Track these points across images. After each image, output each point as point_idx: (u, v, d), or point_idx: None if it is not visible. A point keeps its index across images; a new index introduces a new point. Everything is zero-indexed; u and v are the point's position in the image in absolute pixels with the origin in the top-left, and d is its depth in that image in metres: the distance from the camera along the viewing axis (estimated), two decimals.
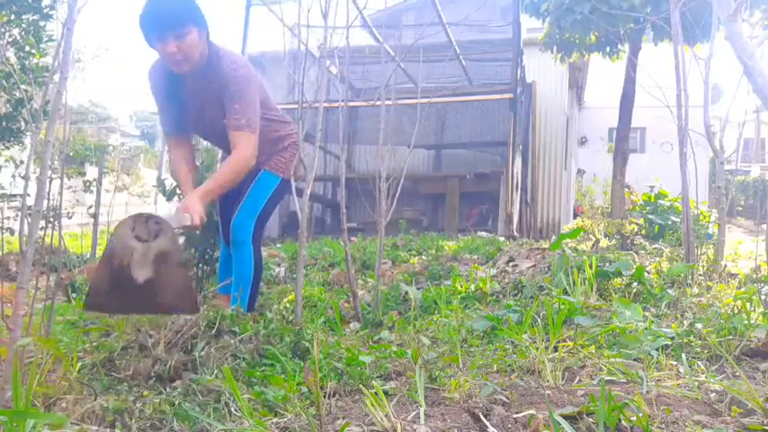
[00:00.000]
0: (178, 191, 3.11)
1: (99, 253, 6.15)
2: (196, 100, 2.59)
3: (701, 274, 3.54)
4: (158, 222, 1.65)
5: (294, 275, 3.90)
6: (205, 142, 3.11)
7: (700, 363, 1.95)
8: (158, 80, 2.59)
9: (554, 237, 3.97)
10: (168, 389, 1.91)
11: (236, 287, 2.74)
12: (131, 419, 1.57)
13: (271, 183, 2.78)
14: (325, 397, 1.74)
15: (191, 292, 1.91)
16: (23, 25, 4.76)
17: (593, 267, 3.09)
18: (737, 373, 1.74)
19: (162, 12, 2.31)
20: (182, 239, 3.48)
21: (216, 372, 1.99)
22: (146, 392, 1.82)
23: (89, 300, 1.86)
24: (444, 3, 8.42)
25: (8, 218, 5.16)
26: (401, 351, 2.15)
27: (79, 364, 1.96)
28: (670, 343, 2.16)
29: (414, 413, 1.52)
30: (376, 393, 1.45)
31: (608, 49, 9.20)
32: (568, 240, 4.00)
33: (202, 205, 2.33)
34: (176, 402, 1.74)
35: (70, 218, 5.98)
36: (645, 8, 7.07)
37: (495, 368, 2.03)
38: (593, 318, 2.54)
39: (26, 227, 1.49)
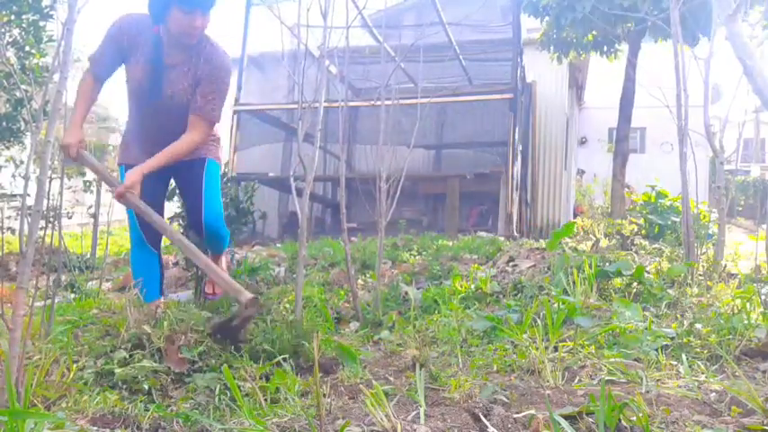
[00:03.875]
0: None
1: (99, 253, 6.15)
2: (168, 71, 2.62)
3: (700, 274, 3.54)
4: (256, 302, 2.41)
5: (294, 275, 3.90)
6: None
7: (700, 363, 1.95)
8: (131, 33, 2.60)
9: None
10: (169, 389, 1.91)
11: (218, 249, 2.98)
12: (132, 420, 1.57)
13: (217, 169, 2.94)
14: (324, 396, 1.74)
15: (245, 333, 2.42)
16: (23, 25, 4.76)
17: (593, 267, 3.09)
18: (737, 373, 1.74)
19: None
20: None
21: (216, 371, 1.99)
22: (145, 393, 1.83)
23: (213, 327, 2.37)
24: (444, 3, 8.42)
25: (8, 218, 5.16)
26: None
27: (75, 365, 1.95)
28: (670, 343, 2.16)
29: (414, 413, 1.52)
30: (376, 393, 1.45)
31: (605, 48, 9.19)
32: (568, 240, 4.00)
33: (141, 174, 2.49)
34: (177, 402, 1.75)
35: (70, 218, 5.99)
36: (647, 7, 7.05)
37: (495, 368, 2.03)
38: (593, 318, 2.54)
39: (26, 227, 1.49)
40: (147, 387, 1.91)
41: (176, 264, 5.29)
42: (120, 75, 2.73)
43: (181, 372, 2.02)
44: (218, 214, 2.85)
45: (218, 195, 2.89)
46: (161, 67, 2.62)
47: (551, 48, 9.11)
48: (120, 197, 2.43)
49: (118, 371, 1.92)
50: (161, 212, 2.87)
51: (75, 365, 1.92)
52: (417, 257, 5.26)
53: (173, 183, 3.02)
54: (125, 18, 2.62)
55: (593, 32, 8.53)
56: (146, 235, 2.80)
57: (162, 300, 2.84)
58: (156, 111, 2.71)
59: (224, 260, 3.21)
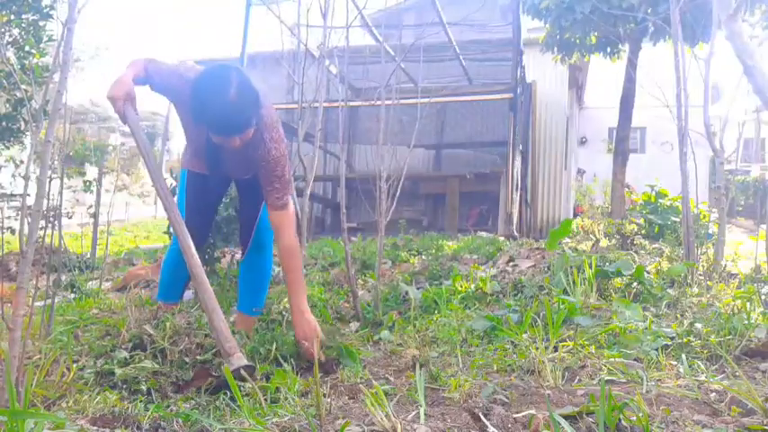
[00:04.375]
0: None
1: (99, 253, 6.15)
2: (225, 150, 2.44)
3: (700, 274, 3.54)
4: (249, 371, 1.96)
5: None
6: None
7: (700, 363, 1.95)
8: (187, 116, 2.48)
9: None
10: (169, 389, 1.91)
11: (256, 293, 2.76)
12: (132, 420, 1.57)
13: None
14: (324, 396, 1.74)
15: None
16: (23, 25, 4.76)
17: (593, 267, 3.09)
18: (737, 373, 1.74)
19: (232, 121, 2.20)
20: None
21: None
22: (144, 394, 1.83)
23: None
24: (444, 3, 8.42)
25: (8, 218, 5.17)
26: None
27: (75, 365, 1.96)
28: (670, 343, 2.16)
29: (414, 413, 1.52)
30: (376, 393, 1.45)
31: (608, 49, 9.19)
32: (568, 240, 4.00)
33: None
34: (177, 402, 1.75)
35: (70, 218, 5.98)
36: (644, 8, 7.06)
37: (495, 368, 2.03)
38: (593, 318, 2.54)
39: (26, 227, 1.49)
40: (145, 388, 1.91)
41: None
42: (123, 66, 2.49)
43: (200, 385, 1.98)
44: (271, 236, 2.68)
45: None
46: (218, 148, 2.44)
47: (555, 49, 9.11)
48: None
49: (118, 371, 1.92)
50: (208, 224, 2.83)
51: (75, 365, 1.93)
52: (417, 257, 5.26)
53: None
54: (180, 98, 2.43)
55: (596, 34, 8.53)
56: (191, 237, 2.75)
57: (178, 303, 2.80)
58: (223, 166, 2.62)
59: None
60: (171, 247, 2.79)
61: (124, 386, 1.91)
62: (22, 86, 2.68)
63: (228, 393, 1.81)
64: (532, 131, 10.14)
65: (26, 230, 1.48)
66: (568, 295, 2.80)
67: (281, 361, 2.20)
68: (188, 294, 3.51)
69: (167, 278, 2.79)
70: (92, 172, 8.02)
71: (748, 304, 2.49)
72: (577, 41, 8.78)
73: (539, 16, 8.34)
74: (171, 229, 2.78)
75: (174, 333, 2.14)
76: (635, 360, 2.01)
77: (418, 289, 3.69)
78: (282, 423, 1.49)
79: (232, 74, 2.19)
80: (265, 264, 2.76)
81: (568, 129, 11.71)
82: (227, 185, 2.86)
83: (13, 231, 4.71)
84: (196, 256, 2.24)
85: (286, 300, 3.33)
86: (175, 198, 2.60)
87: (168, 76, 2.43)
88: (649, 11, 6.93)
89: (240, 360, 1.95)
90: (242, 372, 1.88)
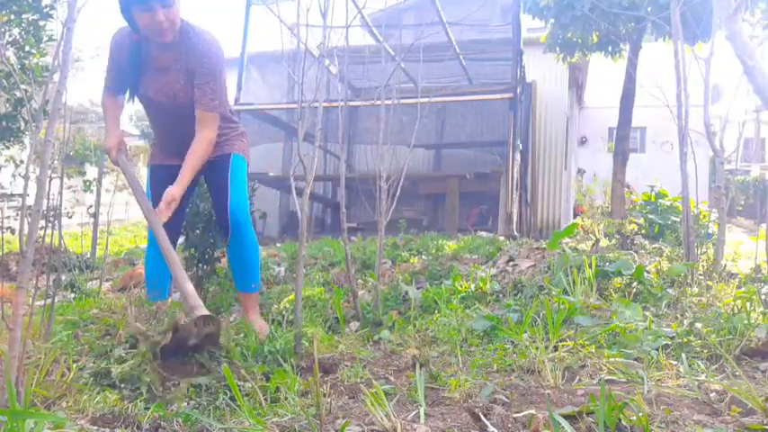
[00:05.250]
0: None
1: (99, 253, 6.15)
2: (162, 71, 2.60)
3: (700, 274, 3.54)
4: (214, 321, 2.10)
5: (294, 275, 3.90)
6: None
7: (700, 362, 1.95)
8: (122, 45, 2.60)
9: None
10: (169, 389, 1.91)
11: (249, 270, 2.79)
12: (132, 420, 1.57)
13: (243, 165, 2.86)
14: (324, 396, 1.74)
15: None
16: (23, 25, 4.76)
17: (593, 267, 3.09)
18: (737, 373, 1.74)
19: None
20: (181, 239, 3.48)
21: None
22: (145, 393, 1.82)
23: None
24: (444, 3, 8.42)
25: (8, 217, 5.17)
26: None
27: (75, 365, 1.95)
28: (670, 343, 2.16)
29: (414, 413, 1.52)
30: (376, 393, 1.45)
31: (610, 48, 9.19)
32: (568, 240, 3.99)
33: (182, 188, 2.49)
34: (177, 403, 1.75)
35: (70, 218, 5.98)
36: (644, 7, 7.06)
37: (495, 368, 2.03)
38: (593, 317, 2.54)
39: (26, 227, 1.49)
40: (142, 387, 1.91)
41: None
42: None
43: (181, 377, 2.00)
44: (245, 212, 2.77)
45: (244, 192, 2.81)
46: (155, 71, 2.61)
47: (557, 49, 9.11)
48: (163, 213, 2.44)
49: (115, 370, 1.91)
50: (182, 217, 2.90)
51: (75, 365, 1.92)
52: (417, 257, 5.26)
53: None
54: (117, 32, 2.62)
55: (597, 33, 8.53)
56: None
57: (169, 300, 2.82)
58: (167, 113, 2.71)
59: (258, 312, 2.90)
60: (148, 245, 2.87)
61: (122, 385, 1.90)
62: (22, 86, 2.68)
63: (228, 393, 1.81)
64: (532, 131, 10.14)
65: (26, 230, 1.48)
66: (568, 295, 2.80)
67: (281, 361, 2.20)
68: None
69: (150, 278, 2.85)
70: (92, 172, 8.01)
71: (748, 304, 2.49)
72: (579, 41, 8.78)
73: (539, 15, 8.34)
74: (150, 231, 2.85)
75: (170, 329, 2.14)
76: (635, 360, 2.01)
77: (418, 289, 3.69)
78: (282, 423, 1.49)
79: None
80: (248, 239, 2.79)
81: (568, 129, 11.70)
82: (194, 184, 2.90)
83: (12, 231, 4.71)
84: (165, 235, 2.41)
85: (286, 300, 3.34)
86: None
87: (110, 60, 2.64)
88: (650, 9, 6.93)
89: (201, 310, 2.10)
90: (203, 322, 2.03)
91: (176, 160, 2.67)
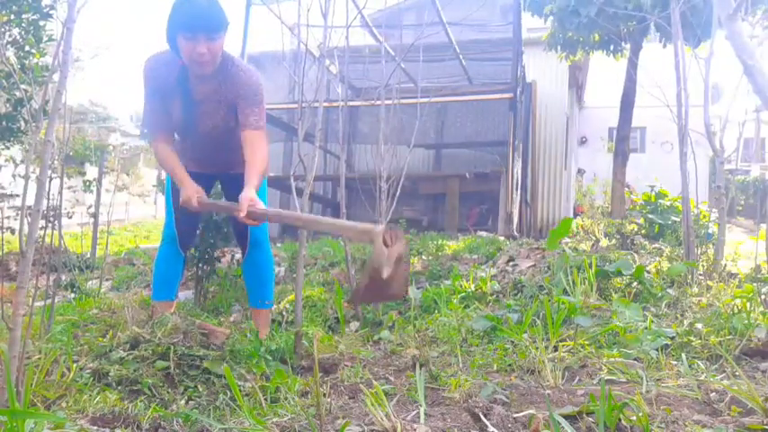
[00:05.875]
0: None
1: (99, 252, 6.15)
2: (201, 104, 2.57)
3: (700, 274, 3.54)
4: (397, 233, 1.96)
5: (294, 275, 3.90)
6: None
7: (700, 362, 1.95)
8: (158, 74, 2.54)
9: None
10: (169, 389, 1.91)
11: (262, 287, 2.79)
12: (132, 420, 1.57)
13: (264, 181, 2.80)
14: (324, 396, 1.74)
15: (408, 282, 2.27)
16: (23, 25, 4.75)
17: (593, 267, 3.09)
18: (737, 373, 1.74)
19: (201, 14, 2.35)
20: None
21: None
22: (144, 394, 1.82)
23: (354, 295, 2.28)
24: (444, 3, 8.41)
25: (8, 217, 5.16)
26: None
27: (75, 365, 1.95)
28: (670, 343, 2.16)
29: (414, 413, 1.52)
30: (376, 393, 1.45)
31: (611, 47, 9.19)
32: (568, 240, 3.99)
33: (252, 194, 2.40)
34: (177, 402, 1.75)
35: (70, 218, 5.98)
36: (652, 8, 7.06)
37: (495, 368, 2.03)
38: (593, 317, 2.54)
39: (26, 227, 1.49)
40: (143, 387, 1.91)
41: None
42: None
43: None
44: (263, 230, 2.76)
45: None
46: (193, 102, 2.57)
47: (558, 48, 9.11)
48: (248, 218, 2.36)
49: (113, 371, 1.92)
50: (197, 221, 2.90)
51: (75, 365, 1.92)
52: (417, 257, 5.26)
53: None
54: (150, 61, 2.55)
55: (599, 32, 8.53)
56: (180, 236, 2.79)
57: (174, 302, 2.82)
58: (204, 140, 2.69)
59: (269, 328, 2.83)
60: (162, 244, 2.83)
61: (120, 386, 1.90)
62: (22, 86, 2.67)
63: (229, 393, 1.81)
64: (532, 131, 10.13)
65: (26, 230, 1.48)
66: (568, 295, 2.80)
67: (281, 361, 2.20)
68: (188, 294, 3.51)
69: (160, 276, 2.81)
70: (92, 172, 8.00)
71: (748, 304, 2.49)
72: (581, 40, 8.78)
73: (542, 16, 8.33)
74: (166, 229, 2.82)
75: (173, 331, 2.14)
76: (635, 360, 2.01)
77: (418, 289, 3.69)
78: (282, 423, 1.49)
79: None
80: (265, 258, 2.80)
81: (568, 128, 11.70)
82: (211, 185, 2.88)
83: (12, 231, 4.71)
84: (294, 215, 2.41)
85: (286, 300, 3.34)
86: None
87: (149, 95, 2.56)
88: (656, 11, 6.92)
89: (379, 228, 1.92)
90: (389, 231, 1.91)
91: (199, 169, 2.69)
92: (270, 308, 2.84)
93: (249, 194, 2.33)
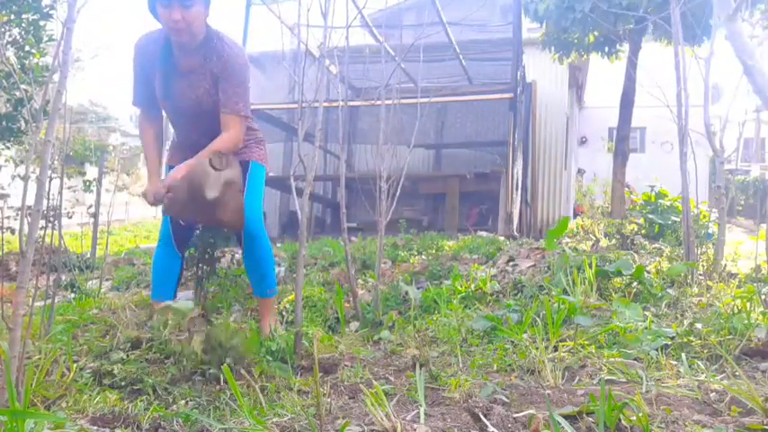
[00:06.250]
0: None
1: (99, 252, 6.15)
2: (186, 76, 2.60)
3: (700, 274, 3.54)
4: (228, 158, 2.05)
5: (294, 275, 3.90)
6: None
7: (700, 362, 1.95)
8: (147, 50, 2.60)
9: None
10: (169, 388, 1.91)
11: (263, 277, 2.81)
12: (132, 420, 1.57)
13: (261, 173, 2.84)
14: (324, 396, 1.74)
15: (243, 212, 2.35)
16: (23, 25, 4.75)
17: (593, 267, 3.09)
18: (737, 373, 1.74)
19: None
20: None
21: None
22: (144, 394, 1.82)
23: (168, 205, 2.24)
24: (444, 3, 8.41)
25: (8, 218, 5.16)
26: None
27: (75, 365, 1.95)
28: (670, 343, 2.16)
29: (414, 413, 1.52)
30: (376, 393, 1.45)
31: (607, 49, 9.19)
32: (568, 240, 3.99)
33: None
34: (177, 402, 1.74)
35: (70, 218, 5.97)
36: (645, 6, 7.06)
37: (495, 368, 2.03)
38: (593, 317, 2.54)
39: (26, 227, 1.49)
40: (142, 386, 1.91)
41: None
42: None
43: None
44: (257, 222, 2.75)
45: (259, 201, 2.79)
46: (178, 75, 2.61)
47: (552, 48, 9.11)
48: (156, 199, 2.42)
49: (116, 370, 1.92)
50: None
51: (75, 365, 1.92)
52: (417, 257, 5.26)
53: None
54: (141, 39, 2.64)
55: (595, 33, 8.53)
56: (174, 235, 2.82)
57: (172, 302, 2.81)
58: (188, 117, 2.71)
59: (273, 315, 2.88)
60: (158, 244, 2.85)
61: (120, 386, 1.90)
62: (22, 86, 2.67)
63: (228, 393, 1.81)
64: (532, 131, 10.13)
65: (26, 230, 1.48)
66: (568, 295, 2.80)
67: (281, 361, 2.20)
68: (187, 295, 3.51)
69: (157, 276, 2.84)
70: (92, 172, 8.00)
71: (748, 304, 2.49)
72: (576, 41, 8.78)
73: (538, 20, 8.36)
74: (162, 229, 2.84)
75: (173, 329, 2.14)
76: (635, 360, 2.01)
77: (418, 289, 3.69)
78: (282, 423, 1.50)
79: None
80: (262, 248, 2.80)
81: (568, 129, 11.70)
82: None
83: (12, 231, 4.71)
84: None
85: (286, 300, 3.34)
86: None
87: (135, 72, 2.63)
88: (650, 10, 6.93)
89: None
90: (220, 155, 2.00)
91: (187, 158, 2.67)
92: (273, 296, 2.85)
93: (176, 173, 2.37)
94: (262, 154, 2.87)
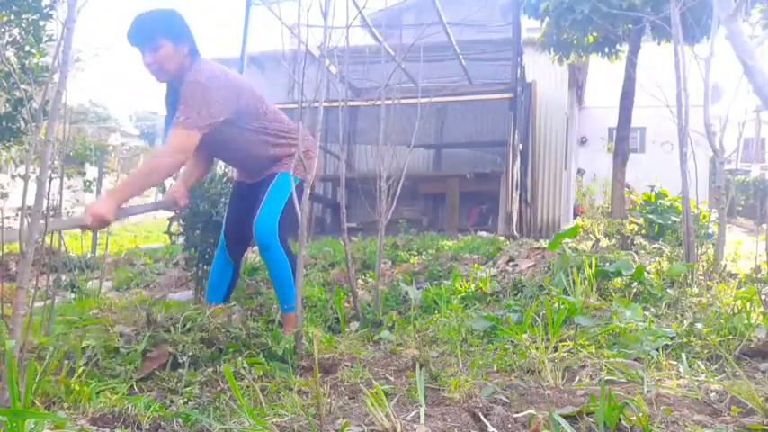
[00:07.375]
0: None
1: (99, 252, 6.15)
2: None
3: (701, 274, 3.54)
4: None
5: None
6: None
7: (700, 362, 1.95)
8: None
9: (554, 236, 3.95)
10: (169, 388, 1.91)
11: (278, 290, 2.81)
12: (132, 420, 1.57)
13: (287, 183, 2.70)
14: (324, 396, 1.74)
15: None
16: (23, 25, 4.75)
17: (593, 267, 3.09)
18: (737, 373, 1.74)
19: (139, 26, 2.53)
20: (181, 239, 3.48)
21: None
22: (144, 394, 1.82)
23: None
24: (444, 3, 8.41)
25: (8, 218, 5.16)
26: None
27: (75, 365, 1.95)
28: (670, 343, 2.16)
29: (414, 413, 1.52)
30: (376, 393, 1.45)
31: (606, 49, 9.18)
32: (568, 240, 3.99)
33: (115, 203, 2.38)
34: (177, 402, 1.74)
35: None
36: (644, 7, 7.06)
37: (495, 368, 2.03)
38: (593, 317, 2.54)
39: (26, 227, 1.49)
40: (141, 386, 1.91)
41: (176, 263, 5.29)
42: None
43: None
44: (270, 234, 2.71)
45: (275, 212, 2.74)
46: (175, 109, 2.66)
47: (551, 49, 9.11)
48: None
49: (117, 367, 1.92)
50: (243, 231, 2.87)
51: (74, 365, 1.92)
52: (417, 257, 5.26)
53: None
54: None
55: (594, 34, 8.52)
56: (226, 244, 2.96)
57: (219, 305, 2.80)
58: (211, 146, 2.76)
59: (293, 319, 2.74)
60: (218, 250, 3.01)
61: (122, 386, 1.91)
62: (22, 86, 2.67)
63: (228, 393, 1.81)
64: (532, 131, 10.12)
65: (26, 231, 1.48)
66: (568, 295, 2.80)
67: (281, 361, 2.20)
68: (187, 294, 3.52)
69: (210, 280, 3.01)
70: (92, 172, 8.01)
71: (748, 304, 2.49)
72: (575, 42, 8.77)
73: (537, 17, 8.34)
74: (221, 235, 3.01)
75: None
76: (635, 360, 2.01)
77: (418, 289, 3.69)
78: (282, 423, 1.49)
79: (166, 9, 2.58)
80: (276, 260, 2.77)
81: (568, 129, 11.70)
82: (247, 198, 2.95)
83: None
84: None
85: None
86: None
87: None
88: (648, 10, 6.92)
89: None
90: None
91: (243, 178, 2.93)
92: (291, 312, 2.70)
93: (94, 205, 2.39)
94: (294, 167, 2.73)
